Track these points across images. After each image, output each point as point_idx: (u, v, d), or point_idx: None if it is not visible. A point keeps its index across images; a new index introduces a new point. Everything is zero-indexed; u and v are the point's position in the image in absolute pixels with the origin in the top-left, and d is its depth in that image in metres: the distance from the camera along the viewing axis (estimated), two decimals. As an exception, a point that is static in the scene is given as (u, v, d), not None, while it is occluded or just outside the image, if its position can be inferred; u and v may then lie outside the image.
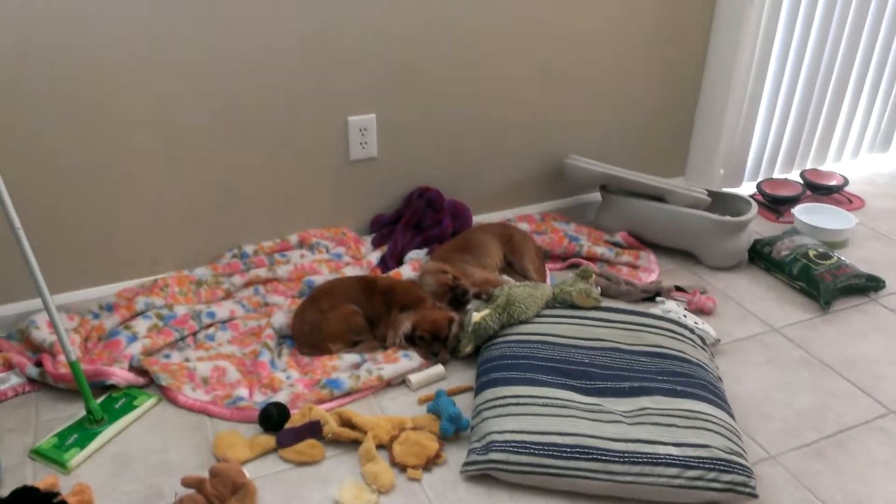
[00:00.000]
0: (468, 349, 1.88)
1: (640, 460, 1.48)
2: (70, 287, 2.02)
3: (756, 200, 2.47)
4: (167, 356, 1.88)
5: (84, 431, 1.64)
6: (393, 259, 2.26)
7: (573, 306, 1.98)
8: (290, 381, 1.78)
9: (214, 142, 2.03)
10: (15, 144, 1.82)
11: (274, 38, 1.98)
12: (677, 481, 1.46)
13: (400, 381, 1.83)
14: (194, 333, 1.97)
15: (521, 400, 1.63)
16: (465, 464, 1.55)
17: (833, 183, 2.83)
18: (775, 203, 2.75)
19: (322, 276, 2.16)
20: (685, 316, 2.02)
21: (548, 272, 2.29)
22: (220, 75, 1.96)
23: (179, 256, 2.14)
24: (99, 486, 1.51)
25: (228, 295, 2.11)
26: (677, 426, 1.56)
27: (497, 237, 2.29)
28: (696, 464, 1.48)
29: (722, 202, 2.46)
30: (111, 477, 1.55)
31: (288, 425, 1.64)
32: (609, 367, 1.76)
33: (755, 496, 1.48)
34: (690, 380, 1.71)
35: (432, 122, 2.29)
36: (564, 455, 1.49)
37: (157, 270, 2.12)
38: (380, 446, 1.61)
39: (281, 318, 1.99)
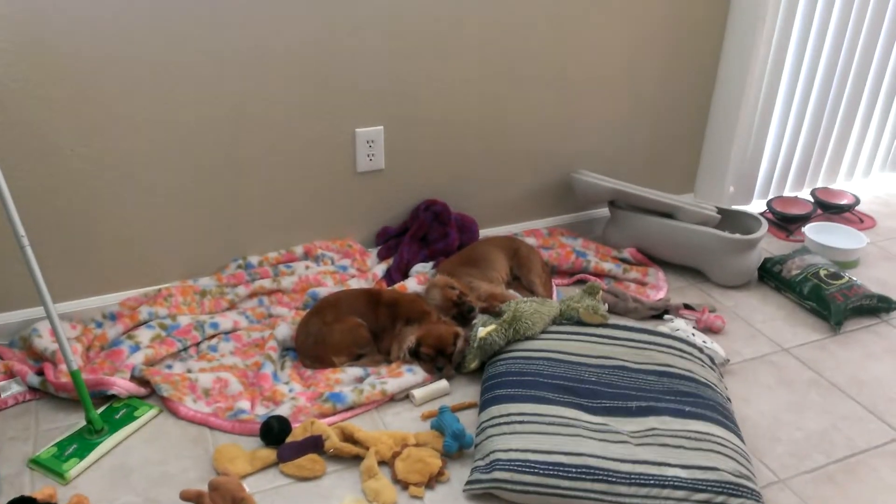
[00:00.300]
0: (473, 365, 1.87)
1: (648, 482, 1.46)
2: (73, 295, 2.02)
3: (766, 218, 2.45)
4: (169, 367, 1.87)
5: (84, 442, 1.63)
6: (398, 272, 2.25)
7: (580, 323, 1.96)
8: (293, 393, 1.77)
9: (221, 151, 2.03)
10: (19, 154, 1.82)
11: (283, 50, 1.98)
12: (685, 504, 1.44)
13: (403, 396, 1.81)
14: (197, 344, 1.96)
15: (526, 418, 1.61)
16: (469, 482, 1.53)
17: (844, 202, 2.80)
18: (786, 221, 2.72)
19: (327, 288, 2.14)
20: (694, 334, 2.00)
21: (554, 287, 2.27)
22: (228, 84, 1.96)
23: (184, 266, 2.13)
24: (97, 498, 1.50)
25: (232, 306, 2.10)
26: (685, 448, 1.54)
27: (504, 251, 2.27)
28: (704, 487, 1.45)
29: (732, 220, 2.44)
30: (109, 488, 1.54)
31: (289, 439, 1.63)
32: (616, 386, 1.73)
33: (764, 521, 1.45)
34: (699, 400, 1.68)
35: (440, 135, 2.28)
36: (570, 475, 1.47)
37: (161, 280, 2.11)
38: (382, 462, 1.59)
39: (285, 330, 1.97)
